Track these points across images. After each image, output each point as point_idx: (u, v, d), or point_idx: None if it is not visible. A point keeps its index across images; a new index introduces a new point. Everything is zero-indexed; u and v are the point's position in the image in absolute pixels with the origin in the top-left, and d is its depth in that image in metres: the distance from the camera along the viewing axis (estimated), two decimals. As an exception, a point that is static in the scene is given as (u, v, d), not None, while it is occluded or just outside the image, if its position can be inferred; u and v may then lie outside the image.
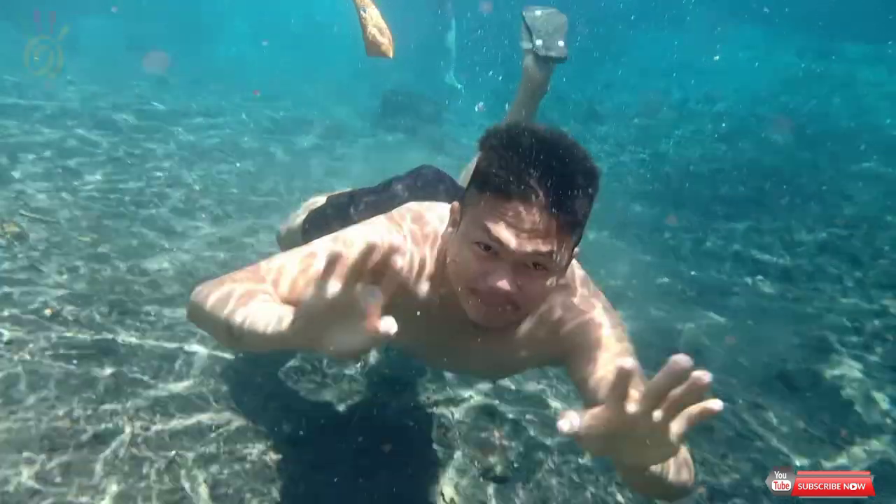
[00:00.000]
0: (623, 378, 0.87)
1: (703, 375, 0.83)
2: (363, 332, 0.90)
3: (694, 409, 0.87)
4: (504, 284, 1.30)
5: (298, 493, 2.08)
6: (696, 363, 0.83)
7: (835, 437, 2.94)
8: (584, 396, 1.44)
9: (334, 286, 0.89)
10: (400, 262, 0.88)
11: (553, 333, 1.56)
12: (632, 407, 0.87)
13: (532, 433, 2.60)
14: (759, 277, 4.70)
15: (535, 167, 1.26)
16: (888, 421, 3.10)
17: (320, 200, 2.41)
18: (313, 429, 2.38)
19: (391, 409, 2.61)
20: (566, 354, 1.54)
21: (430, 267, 1.54)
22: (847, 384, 3.37)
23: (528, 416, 2.70)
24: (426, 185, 2.20)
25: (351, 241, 1.47)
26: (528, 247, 1.28)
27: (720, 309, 4.12)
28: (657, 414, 0.87)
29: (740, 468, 2.63)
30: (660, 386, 0.84)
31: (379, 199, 2.16)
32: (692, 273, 4.75)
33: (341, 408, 2.55)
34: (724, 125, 8.48)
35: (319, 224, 2.17)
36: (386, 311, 1.57)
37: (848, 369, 3.51)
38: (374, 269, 0.89)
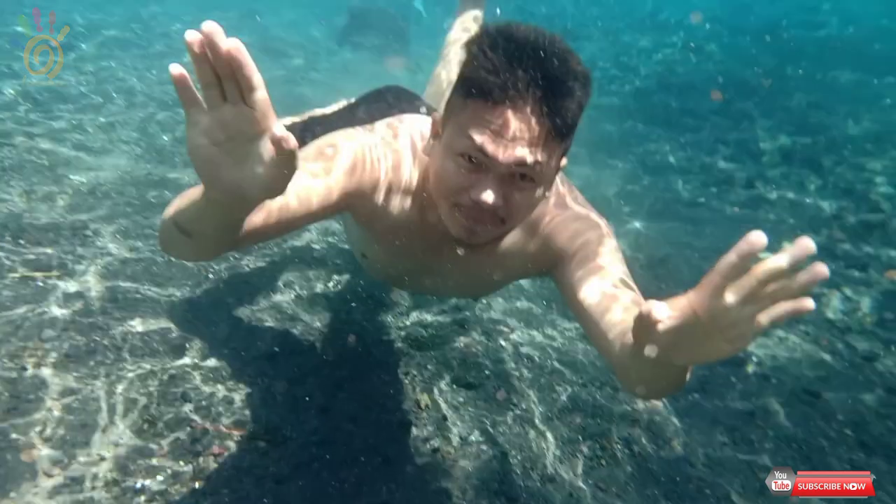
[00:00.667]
0: (728, 268, 0.76)
1: (823, 268, 0.75)
2: (266, 149, 0.85)
3: (788, 304, 0.77)
4: (489, 198, 1.23)
5: (278, 404, 2.15)
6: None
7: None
8: (573, 305, 1.37)
9: (192, 104, 0.83)
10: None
11: (541, 244, 1.50)
12: (730, 297, 0.78)
13: (502, 343, 2.70)
14: (725, 187, 4.79)
15: (524, 70, 1.17)
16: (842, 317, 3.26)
17: (285, 122, 2.37)
18: (289, 344, 2.45)
19: (365, 325, 2.67)
20: (556, 264, 1.47)
21: (410, 181, 1.46)
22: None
23: (499, 327, 2.79)
24: (392, 104, 2.12)
25: (327, 145, 1.39)
26: (515, 157, 1.20)
27: (685, 220, 4.21)
28: (749, 307, 0.78)
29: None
30: (772, 270, 0.74)
31: (339, 127, 2.09)
32: (660, 185, 4.81)
33: (316, 324, 2.61)
34: (696, 38, 8.39)
35: None
36: (365, 230, 1.46)
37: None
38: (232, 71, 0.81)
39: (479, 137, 1.21)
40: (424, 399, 2.34)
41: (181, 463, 1.86)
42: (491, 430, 2.24)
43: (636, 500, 2.02)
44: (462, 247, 1.46)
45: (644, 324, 0.85)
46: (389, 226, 1.49)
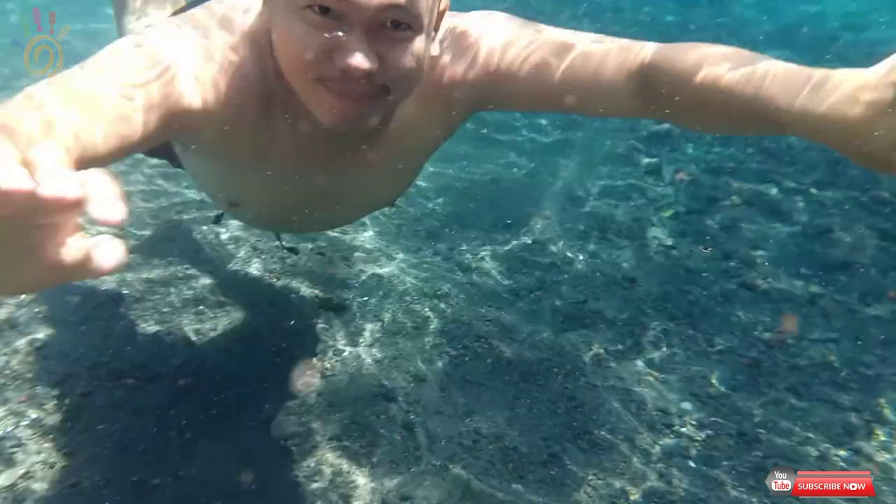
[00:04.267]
0: None
1: None
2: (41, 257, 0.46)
3: None
4: (360, 60, 0.89)
5: (140, 343, 2.09)
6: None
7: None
8: (566, 102, 1.10)
9: None
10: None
11: (450, 92, 1.16)
12: None
13: (362, 268, 2.80)
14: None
15: None
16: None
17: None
18: (143, 287, 2.35)
19: (217, 254, 2.63)
20: (491, 95, 1.17)
21: (255, 75, 1.05)
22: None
23: (356, 254, 2.88)
24: None
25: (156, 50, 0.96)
26: None
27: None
28: None
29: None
30: None
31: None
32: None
33: (172, 256, 2.52)
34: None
35: None
36: (220, 168, 1.23)
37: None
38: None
39: None
40: (293, 323, 2.39)
41: (46, 407, 1.77)
42: (363, 345, 2.35)
43: (498, 385, 2.26)
44: (349, 142, 1.15)
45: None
46: (250, 150, 1.13)
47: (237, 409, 1.97)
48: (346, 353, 2.29)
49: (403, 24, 0.93)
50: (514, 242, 3.15)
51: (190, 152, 1.25)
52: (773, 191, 3.71)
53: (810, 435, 2.11)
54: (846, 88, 0.71)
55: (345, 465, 1.85)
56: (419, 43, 0.97)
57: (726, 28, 6.84)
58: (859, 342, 2.57)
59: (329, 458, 1.87)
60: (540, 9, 6.17)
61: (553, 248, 3.12)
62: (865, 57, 0.76)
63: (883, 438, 2.10)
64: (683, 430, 2.10)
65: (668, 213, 3.45)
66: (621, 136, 4.42)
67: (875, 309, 2.77)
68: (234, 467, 1.78)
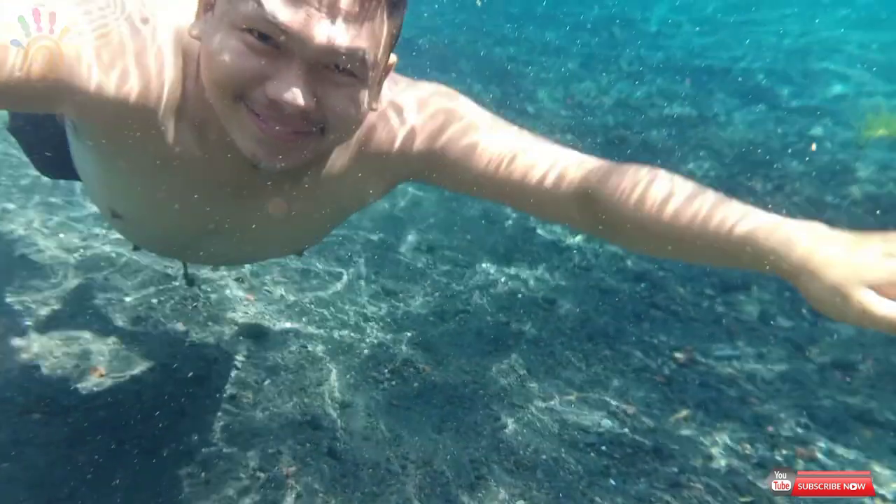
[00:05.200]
0: None
1: None
2: None
3: None
4: (294, 96, 0.83)
5: (47, 375, 1.97)
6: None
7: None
8: (498, 192, 1.10)
9: None
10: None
11: (389, 155, 1.10)
12: None
13: (282, 293, 2.75)
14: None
15: None
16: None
17: None
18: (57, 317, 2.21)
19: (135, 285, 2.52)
20: (424, 168, 1.13)
21: (172, 84, 0.95)
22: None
23: (265, 277, 2.83)
24: None
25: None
26: (331, 35, 0.82)
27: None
28: None
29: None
30: None
31: None
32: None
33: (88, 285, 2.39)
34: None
35: None
36: (107, 168, 1.08)
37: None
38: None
39: (272, 1, 0.80)
40: (212, 352, 2.31)
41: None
42: (284, 373, 2.30)
43: (425, 408, 2.27)
44: (266, 178, 1.04)
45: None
46: (146, 158, 1.01)
47: (155, 441, 1.88)
48: (268, 381, 2.24)
49: (348, 72, 0.86)
50: (438, 266, 3.18)
51: (80, 141, 1.10)
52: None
53: (720, 449, 2.23)
54: (829, 277, 0.80)
55: (270, 496, 1.80)
56: (361, 92, 0.90)
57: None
58: (760, 358, 2.76)
59: (253, 490, 1.81)
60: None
61: (476, 271, 3.18)
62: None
63: (785, 452, 2.25)
64: (603, 448, 2.18)
65: (583, 236, 3.59)
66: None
67: (772, 328, 2.98)
68: (151, 501, 1.70)
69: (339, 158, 1.09)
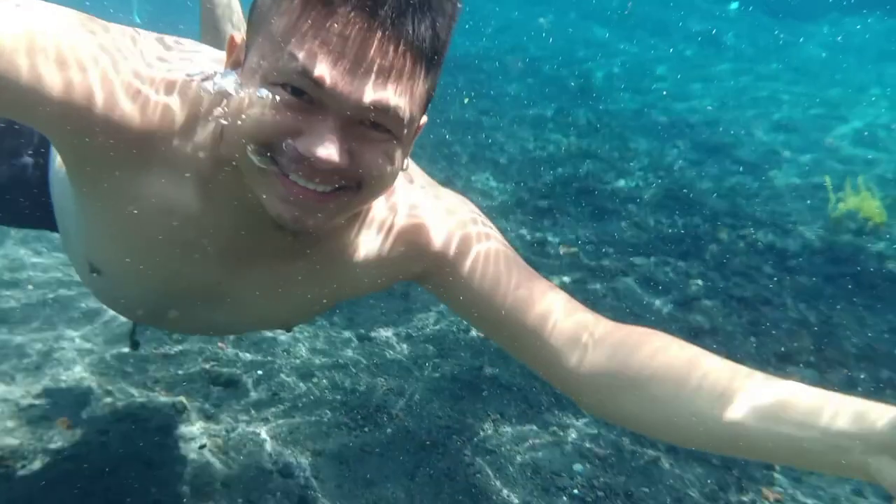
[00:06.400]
0: None
1: None
2: None
3: None
4: (329, 152, 0.80)
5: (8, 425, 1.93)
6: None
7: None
8: (481, 318, 1.11)
9: None
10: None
11: (405, 242, 1.09)
12: None
13: (255, 338, 2.74)
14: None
15: None
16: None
17: None
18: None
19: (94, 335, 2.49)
20: (429, 271, 1.12)
21: (180, 130, 0.94)
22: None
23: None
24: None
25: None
26: (368, 92, 0.79)
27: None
28: None
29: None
30: None
31: None
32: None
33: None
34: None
35: None
36: (95, 212, 1.03)
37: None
38: None
39: (309, 55, 0.78)
40: (181, 401, 2.29)
41: None
42: (254, 420, 2.29)
43: (398, 454, 2.26)
44: (280, 238, 0.99)
45: None
46: (138, 203, 0.97)
47: (122, 493, 1.85)
48: (238, 430, 2.22)
49: (384, 128, 0.84)
50: (412, 311, 3.20)
51: (69, 179, 1.04)
52: (645, 262, 4.03)
53: (689, 492, 2.25)
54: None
55: (240, 548, 1.78)
56: (395, 149, 0.88)
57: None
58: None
59: (223, 542, 1.78)
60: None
61: (447, 316, 3.21)
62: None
63: (752, 494, 2.28)
64: (575, 491, 2.19)
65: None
66: (510, 215, 4.68)
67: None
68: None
69: (354, 238, 1.07)
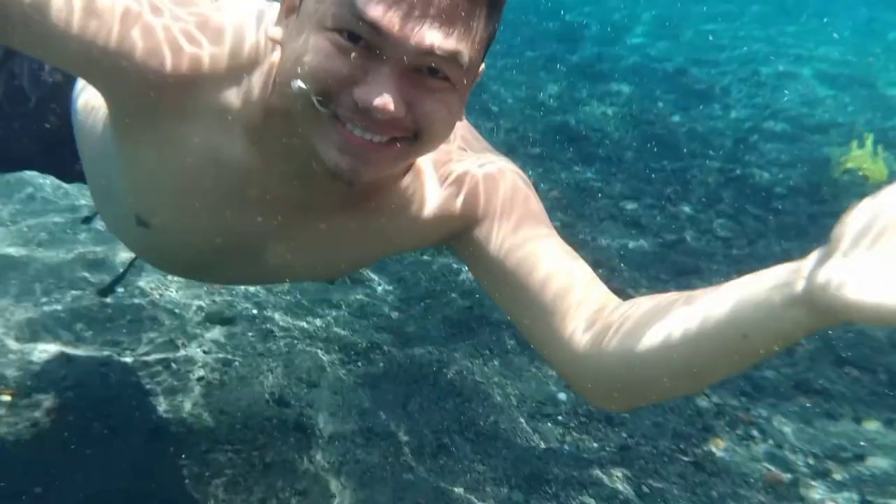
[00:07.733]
0: None
1: None
2: None
3: None
4: (385, 101, 0.78)
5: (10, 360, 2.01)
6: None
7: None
8: (500, 281, 1.06)
9: None
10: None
11: (452, 197, 1.06)
12: None
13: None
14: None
15: None
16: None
17: None
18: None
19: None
20: (466, 228, 1.07)
21: (242, 87, 0.94)
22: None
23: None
24: None
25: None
26: (427, 36, 0.77)
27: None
28: None
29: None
30: None
31: None
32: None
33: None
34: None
35: None
36: (143, 162, 1.00)
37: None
38: None
39: (368, 2, 0.75)
40: (179, 336, 2.37)
41: None
42: (253, 354, 2.37)
43: (390, 386, 2.35)
44: (332, 190, 0.95)
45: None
46: (197, 148, 0.96)
47: (122, 419, 1.94)
48: (236, 363, 2.30)
49: (441, 75, 0.81)
50: (403, 257, 3.27)
51: (115, 126, 1.03)
52: (633, 206, 4.08)
53: (668, 417, 2.36)
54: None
55: (238, 467, 1.87)
56: (454, 98, 0.85)
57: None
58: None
59: (221, 462, 1.88)
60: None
61: (439, 261, 3.27)
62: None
63: (728, 418, 2.39)
64: (559, 417, 2.29)
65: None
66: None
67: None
68: (121, 477, 1.76)
69: (407, 191, 1.04)
